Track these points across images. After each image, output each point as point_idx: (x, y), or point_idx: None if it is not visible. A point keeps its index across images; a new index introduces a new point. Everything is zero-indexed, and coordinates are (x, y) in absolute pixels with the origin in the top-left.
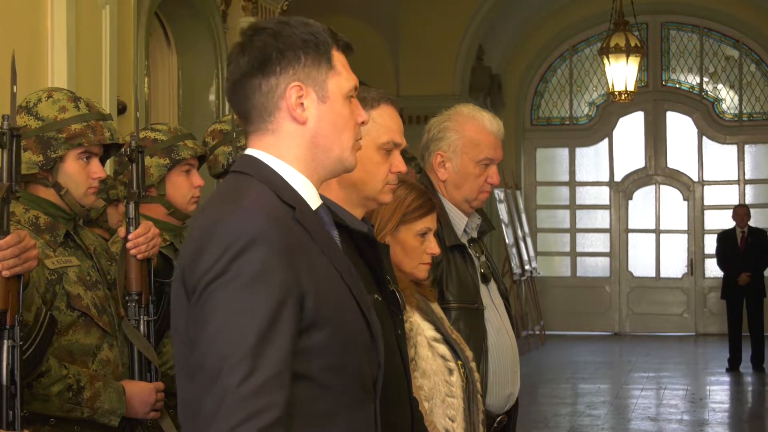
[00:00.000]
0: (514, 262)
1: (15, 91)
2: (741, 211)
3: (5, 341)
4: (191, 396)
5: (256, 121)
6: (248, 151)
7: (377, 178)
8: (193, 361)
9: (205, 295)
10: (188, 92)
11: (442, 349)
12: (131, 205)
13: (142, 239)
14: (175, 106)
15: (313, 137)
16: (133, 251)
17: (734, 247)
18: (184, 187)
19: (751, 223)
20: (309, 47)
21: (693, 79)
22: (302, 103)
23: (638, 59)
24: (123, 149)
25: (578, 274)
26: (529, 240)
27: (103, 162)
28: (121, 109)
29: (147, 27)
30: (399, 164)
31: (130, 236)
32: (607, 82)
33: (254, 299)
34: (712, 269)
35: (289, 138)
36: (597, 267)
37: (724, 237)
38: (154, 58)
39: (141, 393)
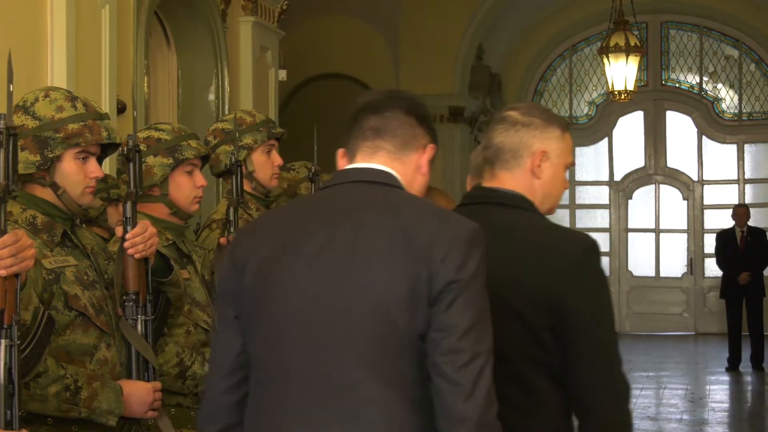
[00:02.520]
0: None
1: (11, 90)
2: (741, 211)
3: (3, 341)
4: None
5: None
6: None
7: (560, 192)
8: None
9: None
10: (188, 92)
11: None
12: (129, 205)
13: (140, 238)
14: (174, 105)
15: None
16: (130, 250)
17: (734, 246)
18: (187, 186)
19: (751, 222)
20: None
21: (693, 79)
22: None
23: (638, 59)
24: (121, 149)
25: None
26: None
27: (100, 161)
28: (121, 109)
29: (147, 26)
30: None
31: (127, 235)
32: (606, 82)
33: None
34: (712, 269)
35: None
36: None
37: (723, 236)
38: (154, 58)
39: (139, 392)
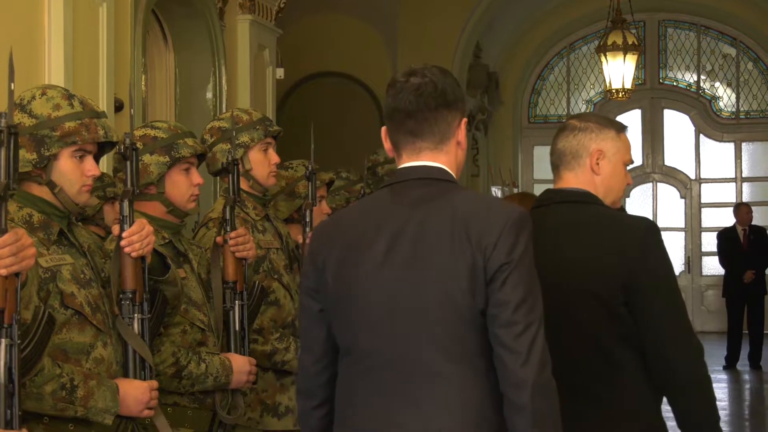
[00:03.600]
0: None
1: (12, 88)
2: (744, 209)
3: (3, 340)
4: None
5: None
6: None
7: (622, 186)
8: None
9: None
10: (185, 90)
11: None
12: (125, 203)
13: (136, 237)
14: (172, 103)
15: None
16: (127, 249)
17: (737, 245)
18: (184, 185)
19: (752, 221)
20: None
21: (690, 77)
22: None
23: (635, 57)
24: (118, 147)
25: None
26: None
27: (97, 160)
28: (118, 107)
29: (144, 25)
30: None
31: (124, 234)
32: (604, 80)
33: None
34: (710, 267)
35: None
36: None
37: (725, 235)
38: (151, 56)
39: (135, 391)
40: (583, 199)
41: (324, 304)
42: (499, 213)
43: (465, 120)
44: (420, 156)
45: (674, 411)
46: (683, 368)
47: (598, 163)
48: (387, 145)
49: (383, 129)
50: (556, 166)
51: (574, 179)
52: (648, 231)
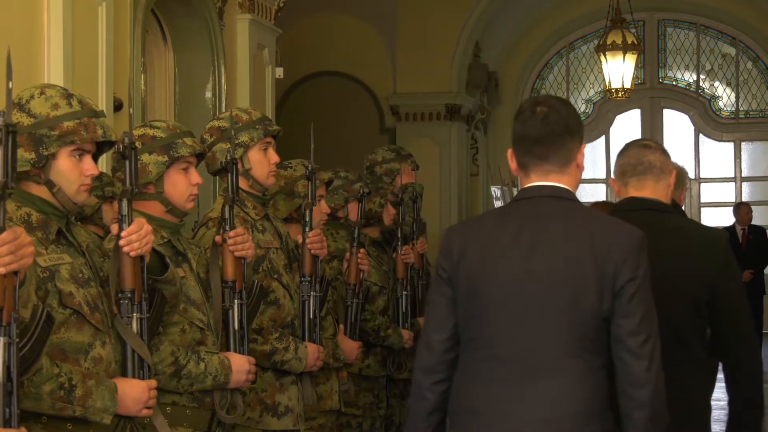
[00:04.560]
0: None
1: (10, 87)
2: (744, 209)
3: (1, 338)
4: None
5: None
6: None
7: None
8: None
9: None
10: (185, 90)
11: None
12: (124, 203)
13: (135, 236)
14: (171, 103)
15: None
16: (125, 248)
17: (736, 245)
18: (183, 184)
19: (752, 220)
20: None
21: (690, 77)
22: None
23: (635, 56)
24: (117, 146)
25: None
26: None
27: (96, 159)
28: (118, 106)
29: (143, 24)
30: None
31: (122, 233)
32: (603, 80)
33: None
34: None
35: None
36: None
37: None
38: (151, 55)
39: (134, 390)
40: (666, 209)
41: (455, 292)
42: (625, 232)
43: (584, 145)
44: (548, 177)
45: (733, 386)
46: (749, 362)
47: (670, 183)
48: (513, 165)
49: (509, 151)
50: (641, 173)
51: (654, 190)
52: (727, 241)
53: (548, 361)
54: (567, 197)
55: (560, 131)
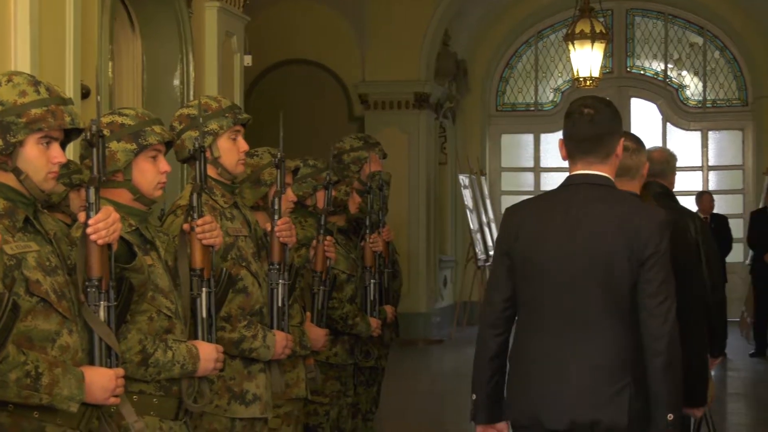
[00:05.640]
0: (479, 247)
1: None
2: (707, 198)
3: None
4: None
5: None
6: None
7: None
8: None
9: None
10: (153, 77)
11: None
12: (92, 190)
13: (103, 224)
14: (139, 90)
15: None
16: (93, 236)
17: None
18: (151, 172)
19: (714, 209)
20: None
21: (657, 66)
22: None
23: (603, 45)
24: (84, 134)
25: None
26: (493, 226)
27: (63, 147)
28: (85, 94)
29: (111, 11)
30: None
31: (90, 221)
32: (572, 68)
33: None
34: None
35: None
36: None
37: None
38: (119, 43)
39: (101, 379)
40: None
41: (512, 262)
42: (651, 215)
43: (622, 138)
44: (592, 167)
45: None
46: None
47: (643, 175)
48: (563, 153)
49: (560, 140)
50: (618, 177)
51: (630, 188)
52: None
53: (588, 319)
54: (606, 184)
55: (604, 131)
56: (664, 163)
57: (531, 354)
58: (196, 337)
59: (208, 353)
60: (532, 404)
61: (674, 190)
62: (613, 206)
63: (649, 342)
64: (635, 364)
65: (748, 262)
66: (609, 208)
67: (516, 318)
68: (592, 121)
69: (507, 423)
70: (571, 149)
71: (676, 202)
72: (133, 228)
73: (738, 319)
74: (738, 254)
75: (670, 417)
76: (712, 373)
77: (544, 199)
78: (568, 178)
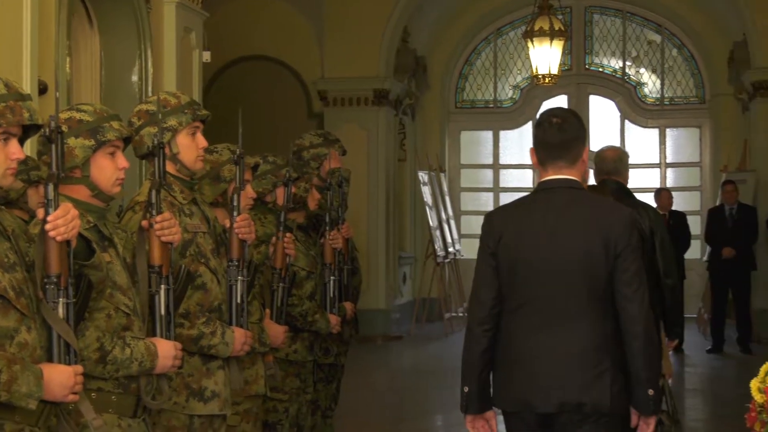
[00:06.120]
0: (438, 244)
1: None
2: (665, 195)
3: None
4: None
5: None
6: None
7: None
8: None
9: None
10: (111, 73)
11: None
12: (50, 187)
13: (62, 221)
14: (97, 86)
15: None
16: (52, 233)
17: None
18: (109, 168)
19: (672, 206)
20: None
21: (616, 63)
22: None
23: (562, 43)
24: (43, 130)
25: None
26: (452, 222)
27: (21, 143)
28: (42, 90)
29: (69, 7)
30: None
31: (49, 218)
32: (531, 66)
33: None
34: None
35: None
36: None
37: None
38: (76, 39)
39: (60, 376)
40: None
41: (497, 262)
42: (621, 213)
43: (587, 146)
44: (561, 171)
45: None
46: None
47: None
48: (534, 159)
49: (531, 149)
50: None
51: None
52: None
53: (571, 310)
54: (577, 187)
55: (571, 137)
56: (617, 161)
57: (519, 344)
58: (154, 335)
59: (166, 350)
60: (522, 391)
61: (633, 187)
62: (587, 207)
63: (627, 326)
64: (614, 350)
65: (705, 258)
66: (583, 208)
67: (503, 313)
68: (560, 129)
69: (494, 412)
70: (542, 155)
71: (633, 197)
72: (91, 225)
73: (695, 316)
74: (695, 251)
75: (650, 392)
76: (670, 352)
77: (522, 202)
78: (541, 183)
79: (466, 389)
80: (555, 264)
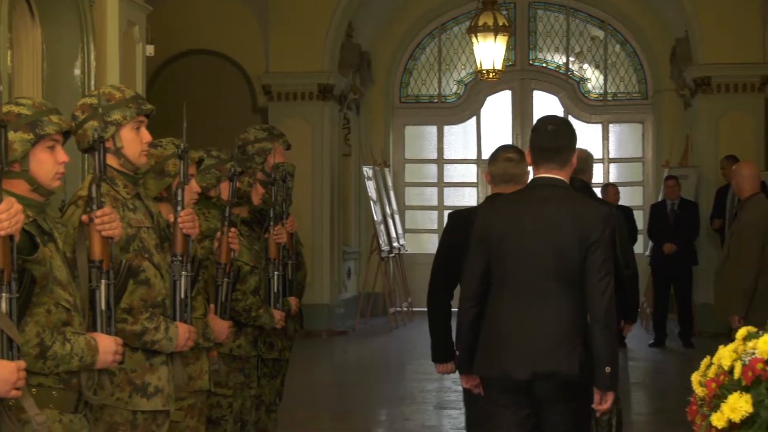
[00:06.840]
0: (383, 239)
1: None
2: (612, 190)
3: None
4: None
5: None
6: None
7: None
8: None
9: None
10: (53, 66)
11: None
12: None
13: (5, 215)
14: (39, 80)
15: None
16: None
17: None
18: (49, 163)
19: (619, 201)
20: None
21: (559, 59)
22: None
23: (506, 38)
24: None
25: None
26: (397, 217)
27: None
28: None
29: None
30: None
31: None
32: (475, 61)
33: None
34: None
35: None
36: None
37: None
38: (17, 31)
39: (2, 371)
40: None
41: (486, 249)
42: (597, 209)
43: (577, 151)
44: (551, 172)
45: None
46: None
47: (525, 181)
48: (529, 159)
49: (527, 150)
50: (505, 182)
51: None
52: None
53: (549, 292)
54: (562, 186)
55: (563, 144)
56: (584, 161)
57: (502, 320)
58: (95, 330)
59: (106, 345)
60: (502, 360)
61: None
62: (568, 203)
63: (591, 309)
64: (584, 329)
65: (647, 253)
66: (565, 204)
67: (490, 291)
68: (554, 136)
69: (477, 377)
70: (536, 157)
71: (594, 194)
72: (31, 219)
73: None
74: (638, 245)
75: (607, 369)
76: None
77: (514, 195)
78: (533, 180)
79: (458, 353)
80: (537, 250)
